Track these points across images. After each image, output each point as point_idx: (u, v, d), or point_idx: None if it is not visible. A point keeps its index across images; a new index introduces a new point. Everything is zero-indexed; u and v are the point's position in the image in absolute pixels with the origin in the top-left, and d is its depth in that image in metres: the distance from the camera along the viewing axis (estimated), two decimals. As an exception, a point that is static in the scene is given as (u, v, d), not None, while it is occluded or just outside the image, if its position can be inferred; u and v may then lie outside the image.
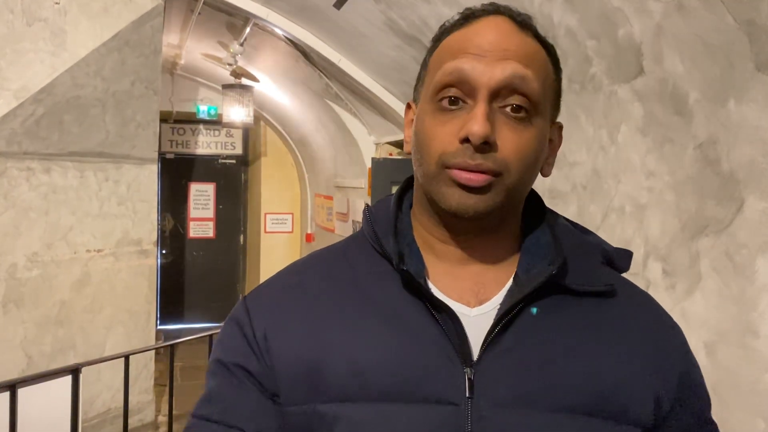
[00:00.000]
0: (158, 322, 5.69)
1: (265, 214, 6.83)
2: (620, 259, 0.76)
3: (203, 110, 6.16)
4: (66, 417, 2.65)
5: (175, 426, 3.32)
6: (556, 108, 0.72)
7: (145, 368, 3.94)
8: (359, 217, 4.66)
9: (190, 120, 6.44)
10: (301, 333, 0.68)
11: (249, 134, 6.86)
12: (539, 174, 0.71)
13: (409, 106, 0.75)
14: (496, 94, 0.64)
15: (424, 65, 0.72)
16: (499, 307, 0.67)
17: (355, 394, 0.64)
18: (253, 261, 6.93)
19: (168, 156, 6.52)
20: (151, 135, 3.78)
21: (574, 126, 2.00)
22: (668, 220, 1.68)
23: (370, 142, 4.62)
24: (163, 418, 4.13)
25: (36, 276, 3.32)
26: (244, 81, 4.81)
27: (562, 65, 0.72)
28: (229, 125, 5.11)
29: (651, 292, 0.78)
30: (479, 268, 0.71)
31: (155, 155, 3.92)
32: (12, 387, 2.42)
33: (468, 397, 0.63)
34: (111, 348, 3.66)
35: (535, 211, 0.75)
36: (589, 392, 0.64)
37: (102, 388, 3.62)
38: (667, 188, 1.67)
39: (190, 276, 6.75)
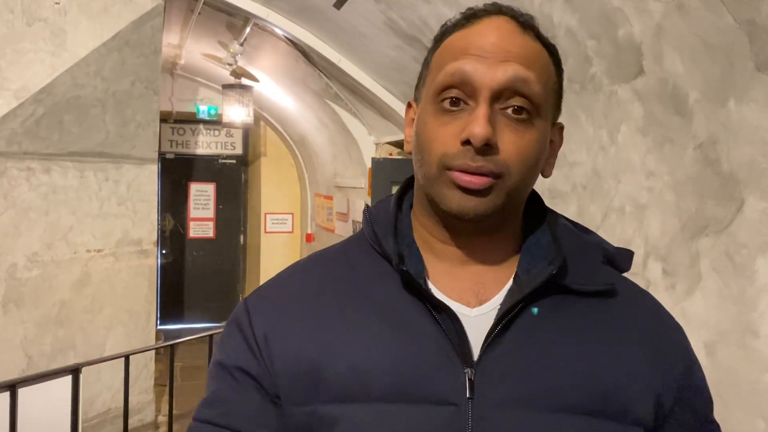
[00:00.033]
0: (158, 322, 5.69)
1: (265, 214, 6.83)
2: (621, 258, 0.76)
3: (203, 110, 6.16)
4: (66, 417, 2.65)
5: (175, 426, 3.32)
6: (557, 109, 0.72)
7: (145, 368, 3.94)
8: (359, 217, 4.66)
9: (190, 120, 6.44)
10: (301, 334, 0.68)
11: (249, 134, 6.86)
12: (540, 175, 0.71)
13: (409, 105, 0.75)
14: (498, 95, 0.64)
15: (426, 65, 0.72)
16: (499, 307, 0.67)
17: (355, 395, 0.64)
18: (253, 261, 6.93)
19: (168, 156, 6.52)
20: (151, 135, 3.78)
21: (574, 126, 2.00)
22: (668, 220, 1.68)
23: (370, 142, 4.62)
24: (163, 418, 4.13)
25: (36, 276, 3.32)
26: (244, 81, 4.81)
27: (562, 65, 0.72)
28: (229, 125, 5.11)
29: (651, 292, 0.78)
30: (479, 268, 0.71)
31: (155, 155, 3.92)
32: (12, 387, 2.42)
33: (468, 398, 0.63)
34: (111, 348, 3.66)
35: (535, 211, 0.75)
36: (590, 392, 0.64)
37: (102, 388, 3.62)
38: (667, 188, 1.67)
39: (190, 276, 6.75)
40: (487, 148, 0.63)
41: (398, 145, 4.39)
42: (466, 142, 0.63)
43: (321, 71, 4.06)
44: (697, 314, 1.57)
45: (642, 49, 1.61)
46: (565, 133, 0.76)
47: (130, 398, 3.07)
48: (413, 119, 0.72)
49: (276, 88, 5.21)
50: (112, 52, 3.18)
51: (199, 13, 3.77)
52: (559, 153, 0.75)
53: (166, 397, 4.10)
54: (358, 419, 0.63)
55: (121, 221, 3.75)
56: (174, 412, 3.32)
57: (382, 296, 0.69)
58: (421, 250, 0.72)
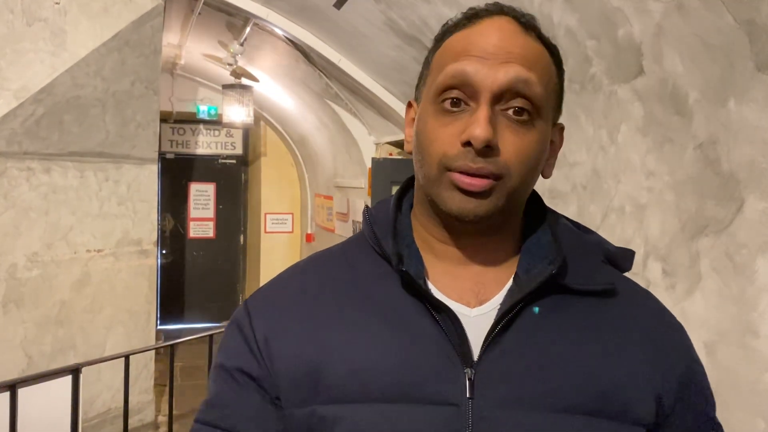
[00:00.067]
0: (158, 322, 5.69)
1: (265, 214, 6.83)
2: (622, 258, 0.76)
3: (203, 110, 6.16)
4: (66, 417, 2.65)
5: (175, 426, 3.32)
6: (558, 109, 0.72)
7: (145, 368, 3.94)
8: (359, 217, 4.66)
9: (190, 120, 6.44)
10: (301, 335, 0.69)
11: (249, 134, 6.86)
12: (540, 175, 0.71)
13: (410, 105, 0.75)
14: (499, 97, 0.64)
15: (426, 65, 0.72)
16: (499, 307, 0.67)
17: (356, 395, 0.64)
18: (253, 261, 6.93)
19: (168, 156, 6.52)
20: (151, 135, 3.78)
21: (574, 126, 2.00)
22: (668, 220, 1.68)
23: (370, 142, 4.62)
24: (163, 418, 4.13)
25: (36, 276, 3.32)
26: (244, 81, 4.81)
27: (563, 65, 0.72)
28: (229, 125, 5.11)
29: (651, 292, 0.78)
30: (479, 268, 0.71)
31: (155, 155, 3.92)
32: (12, 387, 2.42)
33: (468, 398, 0.63)
34: (111, 348, 3.66)
35: (535, 211, 0.75)
36: (590, 392, 0.64)
37: (102, 388, 3.62)
38: (667, 188, 1.67)
39: (190, 276, 6.75)
40: (488, 149, 0.63)
41: (398, 145, 4.39)
42: (467, 144, 0.63)
43: (321, 71, 4.06)
44: (697, 314, 1.57)
45: (642, 49, 1.61)
46: (565, 133, 0.76)
47: (130, 398, 3.07)
48: (413, 119, 0.72)
49: (276, 88, 5.21)
50: (112, 52, 3.18)
51: (199, 13, 3.77)
52: (559, 153, 0.75)
53: (166, 397, 4.10)
54: (358, 419, 0.63)
55: (121, 221, 3.75)
56: (174, 412, 3.32)
57: (381, 297, 0.69)
58: (421, 250, 0.72)
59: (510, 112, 0.64)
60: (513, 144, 0.64)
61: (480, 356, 0.64)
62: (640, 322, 0.71)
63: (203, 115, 6.18)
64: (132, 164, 3.79)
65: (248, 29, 3.87)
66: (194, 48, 4.81)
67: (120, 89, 3.38)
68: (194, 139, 6.66)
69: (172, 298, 6.61)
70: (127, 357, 2.99)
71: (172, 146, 6.56)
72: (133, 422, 3.59)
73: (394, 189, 0.79)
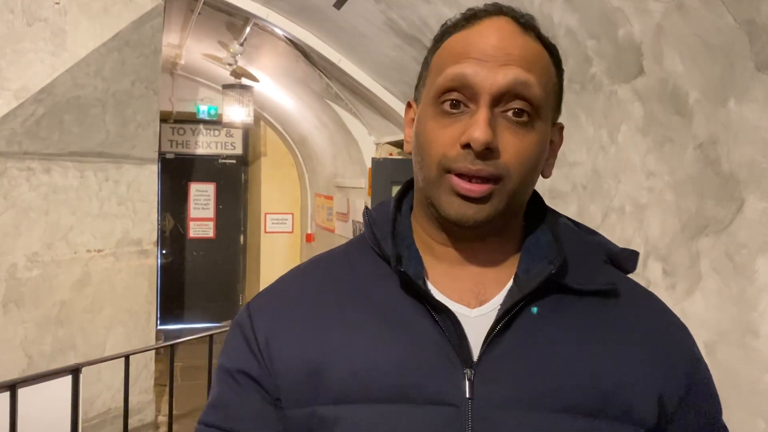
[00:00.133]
0: (158, 322, 5.69)
1: (265, 214, 6.83)
2: (625, 259, 0.75)
3: (203, 110, 6.16)
4: (66, 417, 2.65)
5: (175, 426, 3.32)
6: (557, 109, 0.72)
7: (145, 368, 3.94)
8: (359, 217, 4.66)
9: (190, 120, 6.44)
10: (301, 335, 0.69)
11: (249, 134, 6.86)
12: (540, 175, 0.71)
13: (409, 106, 0.75)
14: (498, 99, 0.64)
15: (425, 65, 0.72)
16: (499, 307, 0.67)
17: (356, 396, 0.64)
18: (253, 261, 6.93)
19: (168, 156, 6.52)
20: (151, 135, 3.78)
21: (574, 126, 2.00)
22: (668, 220, 1.68)
23: (370, 142, 4.62)
24: (163, 418, 4.13)
25: (36, 276, 3.32)
26: (244, 81, 4.81)
27: (562, 65, 0.72)
28: (229, 125, 5.11)
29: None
30: (479, 269, 0.71)
31: (155, 155, 3.92)
32: (12, 387, 2.42)
33: (468, 398, 0.63)
34: (111, 348, 3.66)
35: (536, 211, 0.75)
36: (590, 392, 0.64)
37: (102, 388, 3.62)
38: (667, 188, 1.67)
39: (190, 276, 6.75)
40: (488, 152, 0.63)
41: (398, 145, 4.39)
42: (467, 146, 0.63)
43: (321, 71, 4.06)
44: (697, 314, 1.57)
45: (642, 49, 1.61)
46: (565, 133, 0.75)
47: (130, 398, 3.07)
48: (413, 119, 0.72)
49: (276, 88, 5.21)
50: (112, 52, 3.18)
51: (199, 13, 3.77)
52: (559, 153, 0.75)
53: (166, 397, 4.10)
54: (358, 420, 0.63)
55: (121, 221, 3.75)
56: (174, 412, 3.32)
57: (382, 297, 0.69)
58: (421, 251, 0.72)
59: (509, 113, 0.64)
60: (513, 146, 0.64)
61: (480, 357, 0.64)
62: (641, 322, 0.70)
63: (203, 115, 6.18)
64: (132, 164, 3.79)
65: (248, 29, 3.87)
66: (194, 48, 4.81)
67: (120, 89, 3.38)
68: (194, 139, 6.66)
69: (172, 298, 6.61)
70: (127, 357, 2.99)
71: (172, 146, 6.56)
72: (133, 422, 3.59)
73: (394, 189, 0.79)
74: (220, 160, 6.80)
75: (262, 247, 6.78)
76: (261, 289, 0.80)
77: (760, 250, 1.40)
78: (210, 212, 6.80)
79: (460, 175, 0.64)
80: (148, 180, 3.89)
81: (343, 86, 4.08)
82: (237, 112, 4.86)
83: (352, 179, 4.96)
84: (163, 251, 6.51)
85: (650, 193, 1.74)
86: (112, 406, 3.66)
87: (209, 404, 0.72)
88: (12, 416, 2.40)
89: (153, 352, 4.08)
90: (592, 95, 1.89)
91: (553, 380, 0.64)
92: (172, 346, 3.20)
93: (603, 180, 1.94)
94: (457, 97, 0.65)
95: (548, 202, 0.77)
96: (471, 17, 0.68)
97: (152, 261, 3.97)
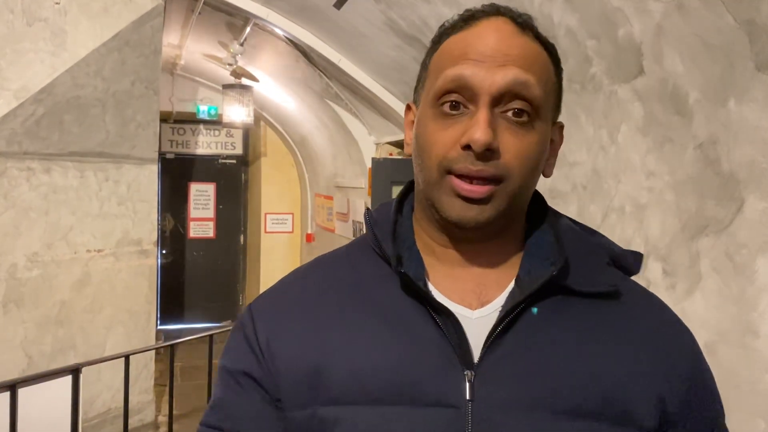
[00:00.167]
0: (158, 322, 5.69)
1: (265, 214, 6.83)
2: (629, 261, 0.75)
3: (203, 110, 6.16)
4: (66, 417, 2.65)
5: (175, 426, 3.32)
6: (557, 108, 0.71)
7: (145, 368, 3.94)
8: (359, 217, 4.66)
9: (190, 120, 6.44)
10: (302, 336, 0.69)
11: (249, 134, 6.86)
12: (540, 175, 0.71)
13: (408, 108, 0.75)
14: (498, 100, 0.64)
15: (424, 67, 0.72)
16: (500, 309, 0.66)
17: (356, 397, 0.64)
18: (253, 261, 6.93)
19: (168, 156, 6.52)
20: (151, 135, 3.78)
21: (574, 126, 2.00)
22: (668, 220, 1.68)
23: (370, 142, 4.62)
24: (163, 418, 4.13)
25: (36, 276, 3.32)
26: (244, 81, 4.81)
27: (562, 65, 0.72)
28: (229, 125, 5.11)
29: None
30: (481, 270, 0.70)
31: (155, 155, 3.92)
32: (12, 387, 2.42)
33: (468, 400, 0.63)
34: (111, 348, 3.66)
35: (538, 212, 0.75)
36: (591, 393, 0.64)
37: (102, 388, 3.62)
38: (667, 188, 1.67)
39: (190, 276, 6.75)
40: (488, 152, 0.63)
41: (398, 145, 4.39)
42: (467, 147, 0.63)
43: (321, 71, 4.06)
44: (697, 314, 1.57)
45: (642, 49, 1.61)
46: (565, 133, 0.75)
47: (130, 398, 3.07)
48: (413, 121, 0.72)
49: (276, 88, 5.21)
50: (112, 52, 3.18)
51: (199, 13, 3.77)
52: (559, 153, 0.75)
53: (166, 397, 4.10)
54: (358, 421, 0.63)
55: (121, 221, 3.75)
56: (174, 412, 3.32)
57: (382, 298, 0.69)
58: (422, 252, 0.72)
59: (509, 114, 0.64)
60: (513, 146, 0.64)
61: (480, 358, 0.64)
62: (642, 324, 0.70)
63: (203, 115, 6.18)
64: (132, 164, 3.79)
65: (248, 29, 3.87)
66: (194, 48, 4.81)
67: (120, 89, 3.38)
68: (194, 139, 6.66)
69: (172, 298, 6.61)
70: (127, 357, 2.99)
71: (172, 146, 6.56)
72: (133, 422, 3.59)
73: (395, 189, 0.79)
74: (220, 160, 6.80)
75: (262, 247, 6.78)
76: (261, 289, 0.80)
77: (760, 250, 1.40)
78: (210, 212, 6.80)
79: (460, 177, 0.64)
80: (148, 180, 3.89)
81: (343, 86, 4.08)
82: (237, 112, 4.86)
83: (352, 179, 4.96)
84: (163, 251, 6.51)
85: (650, 193, 1.74)
86: (112, 406, 3.66)
87: (210, 405, 0.72)
88: (12, 416, 2.40)
89: (153, 352, 4.08)
90: (592, 95, 1.89)
91: (554, 381, 0.64)
92: (172, 346, 3.20)
93: (603, 180, 1.94)
94: (456, 99, 0.65)
95: (548, 202, 0.77)
96: (469, 18, 0.68)
97: (152, 261, 3.97)
